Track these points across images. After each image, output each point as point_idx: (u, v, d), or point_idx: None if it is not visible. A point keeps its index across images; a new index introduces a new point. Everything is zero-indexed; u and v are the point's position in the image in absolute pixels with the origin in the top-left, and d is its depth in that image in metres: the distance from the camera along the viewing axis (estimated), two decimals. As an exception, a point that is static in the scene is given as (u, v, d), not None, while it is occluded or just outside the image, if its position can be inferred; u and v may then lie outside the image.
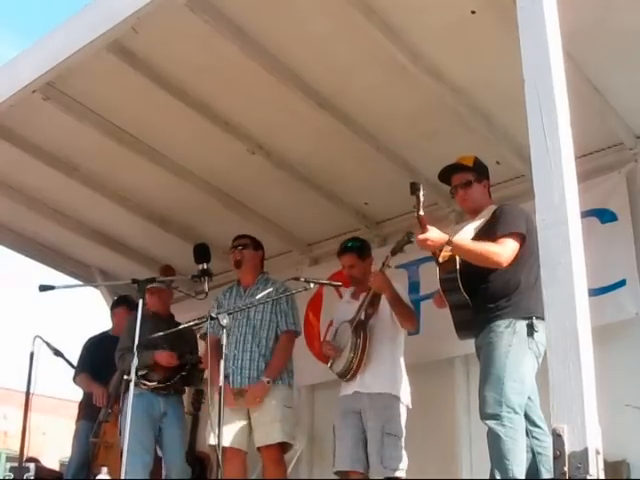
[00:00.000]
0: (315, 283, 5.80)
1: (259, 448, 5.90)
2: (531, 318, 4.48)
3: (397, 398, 5.63)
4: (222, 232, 7.55)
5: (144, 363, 6.40)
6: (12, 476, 8.22)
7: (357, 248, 6.10)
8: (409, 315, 5.72)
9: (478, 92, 5.59)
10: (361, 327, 5.76)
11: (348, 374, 5.72)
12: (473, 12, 4.80)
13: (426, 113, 5.80)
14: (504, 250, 4.56)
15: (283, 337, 6.15)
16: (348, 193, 7.01)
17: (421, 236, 4.48)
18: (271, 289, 5.92)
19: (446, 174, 5.14)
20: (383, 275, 5.71)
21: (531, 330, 4.47)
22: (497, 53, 4.99)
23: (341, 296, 7.20)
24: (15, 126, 6.22)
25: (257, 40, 5.19)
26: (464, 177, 5.04)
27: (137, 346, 6.53)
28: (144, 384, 6.50)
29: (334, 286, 6.60)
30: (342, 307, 6.23)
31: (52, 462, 11.54)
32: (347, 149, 6.27)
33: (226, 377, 5.84)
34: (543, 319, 4.32)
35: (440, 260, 4.85)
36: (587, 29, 4.77)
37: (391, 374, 5.72)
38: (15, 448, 7.93)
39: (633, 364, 5.56)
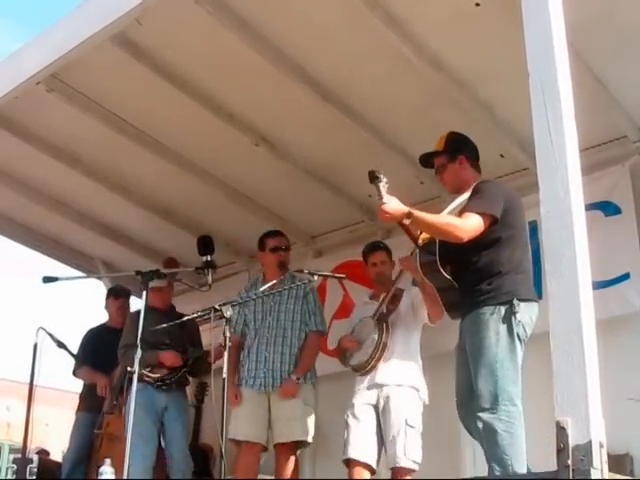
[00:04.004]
0: (319, 275, 5.82)
1: (275, 444, 5.94)
2: (512, 300, 4.41)
3: (417, 391, 5.71)
4: (226, 224, 7.58)
5: (148, 362, 6.46)
6: (15, 468, 8.26)
7: (386, 247, 6.25)
8: (439, 302, 5.67)
9: (482, 84, 5.59)
10: (383, 321, 5.84)
11: (366, 367, 5.78)
12: (477, 4, 4.79)
13: (430, 105, 5.80)
14: (465, 224, 4.44)
15: (312, 337, 6.21)
16: (352, 185, 6.99)
17: (381, 208, 4.30)
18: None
19: (427, 161, 5.17)
20: (413, 258, 5.66)
21: (511, 311, 4.38)
22: (501, 45, 4.98)
23: (344, 289, 7.24)
24: (19, 117, 6.21)
25: (261, 32, 5.19)
26: (438, 162, 5.05)
27: (140, 343, 6.64)
28: (147, 377, 6.53)
29: (338, 278, 6.61)
30: (361, 309, 6.32)
31: (55, 453, 11.56)
32: (351, 141, 6.27)
33: (256, 379, 5.94)
34: (526, 300, 4.40)
35: (420, 243, 4.81)
36: (591, 22, 4.76)
37: (411, 369, 5.79)
38: (18, 440, 7.94)
39: (637, 357, 5.57)
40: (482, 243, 4.54)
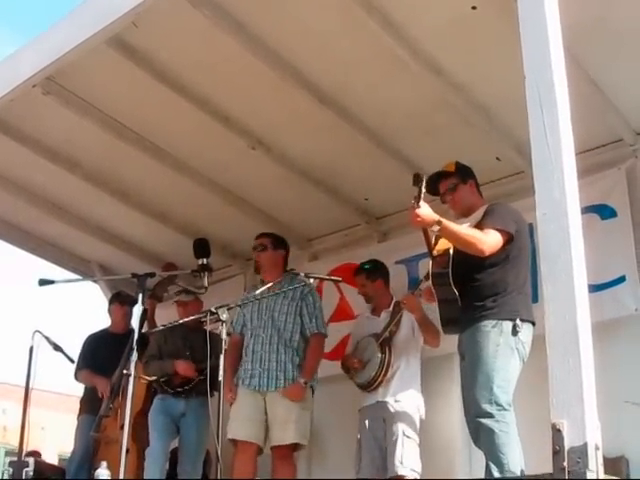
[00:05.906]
0: (315, 278, 5.83)
1: (271, 447, 5.95)
2: (515, 319, 4.56)
3: (415, 407, 5.96)
4: (222, 227, 7.58)
5: (165, 371, 6.72)
6: (11, 470, 8.23)
7: (366, 270, 6.47)
8: (436, 333, 5.81)
9: (478, 88, 5.59)
10: (386, 343, 6.08)
11: (371, 386, 6.05)
12: (474, 8, 4.80)
13: (426, 109, 5.80)
14: (488, 239, 4.58)
15: (314, 340, 6.18)
16: (348, 189, 7.00)
17: (415, 211, 4.35)
18: None
19: (433, 184, 5.19)
20: (414, 298, 5.87)
21: (515, 330, 4.54)
22: (498, 49, 4.98)
23: (340, 292, 7.25)
24: (15, 121, 6.21)
25: (258, 35, 5.19)
26: (449, 182, 5.15)
27: (161, 355, 6.76)
28: (164, 385, 6.74)
29: (334, 281, 6.61)
30: (362, 322, 6.56)
31: (51, 457, 11.57)
32: (347, 145, 6.27)
33: (252, 378, 5.98)
34: (527, 321, 4.56)
35: (434, 254, 4.90)
36: (588, 25, 4.76)
37: (411, 386, 6.03)
38: (14, 443, 7.94)
39: (632, 360, 5.57)
40: (490, 261, 4.67)
